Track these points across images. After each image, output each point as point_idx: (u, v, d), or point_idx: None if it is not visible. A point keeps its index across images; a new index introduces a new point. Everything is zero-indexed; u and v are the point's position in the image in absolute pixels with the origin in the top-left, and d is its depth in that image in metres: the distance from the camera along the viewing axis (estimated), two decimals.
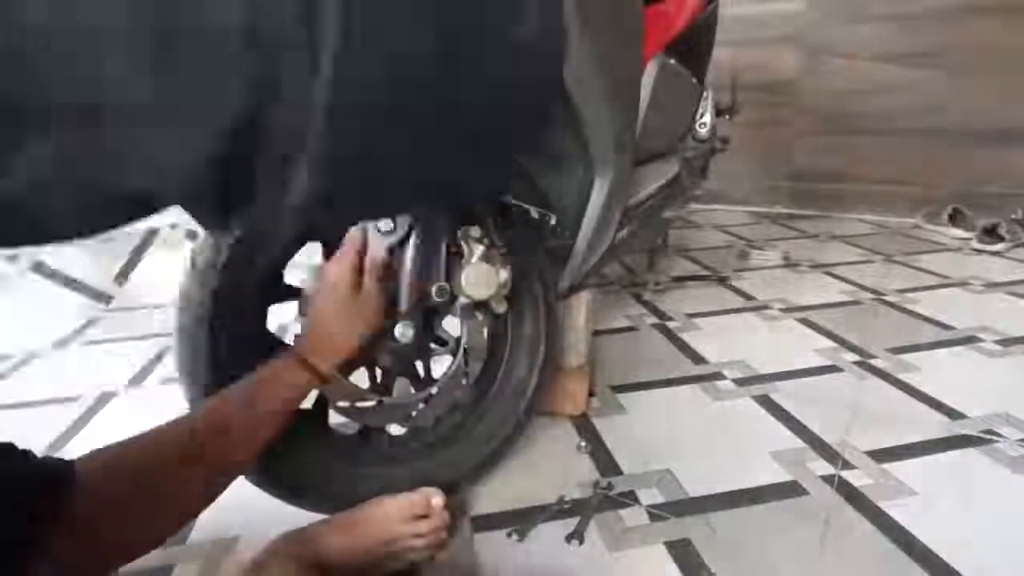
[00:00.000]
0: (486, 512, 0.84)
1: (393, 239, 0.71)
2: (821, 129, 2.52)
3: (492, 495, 0.88)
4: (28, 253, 1.73)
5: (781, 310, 1.54)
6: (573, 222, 0.92)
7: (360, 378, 0.80)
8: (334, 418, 0.79)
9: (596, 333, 1.34)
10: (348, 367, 0.77)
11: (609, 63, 0.80)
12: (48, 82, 0.15)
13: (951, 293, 1.62)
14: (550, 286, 0.90)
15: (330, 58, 0.18)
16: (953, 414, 1.03)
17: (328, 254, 0.74)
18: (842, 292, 1.65)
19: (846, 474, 0.89)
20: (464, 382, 0.84)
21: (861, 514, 0.81)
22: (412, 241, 0.71)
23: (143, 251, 1.92)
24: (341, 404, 0.77)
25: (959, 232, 2.11)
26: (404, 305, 0.74)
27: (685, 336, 1.40)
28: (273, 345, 0.74)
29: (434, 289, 0.75)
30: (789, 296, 1.62)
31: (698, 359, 1.28)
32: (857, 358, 1.26)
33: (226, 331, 0.70)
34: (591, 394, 1.12)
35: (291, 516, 0.74)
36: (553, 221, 0.90)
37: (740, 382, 1.17)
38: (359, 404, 0.78)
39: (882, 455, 0.93)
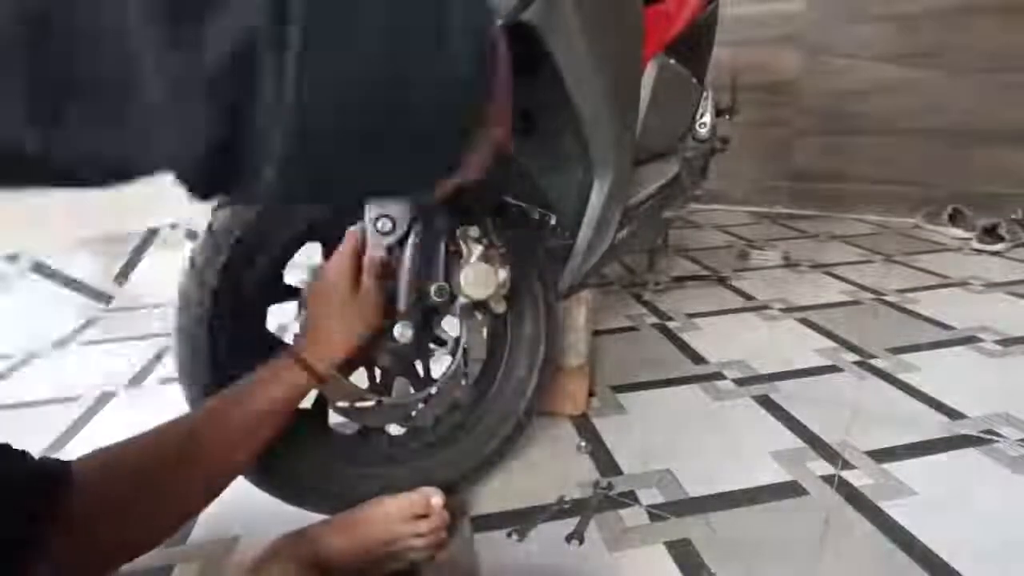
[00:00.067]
0: (486, 512, 0.84)
1: (392, 239, 0.70)
2: (821, 129, 2.52)
3: (492, 495, 0.88)
4: (28, 253, 1.73)
5: (781, 310, 1.54)
6: (573, 222, 0.92)
7: (360, 378, 0.80)
8: (334, 418, 0.79)
9: (596, 333, 1.34)
10: (348, 367, 0.77)
11: (609, 63, 0.80)
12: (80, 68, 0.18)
13: (951, 293, 1.62)
14: (550, 286, 0.90)
15: (293, 85, 0.19)
16: (953, 414, 1.03)
17: (327, 254, 0.74)
18: (842, 292, 1.65)
19: (846, 474, 0.89)
20: (464, 382, 0.84)
21: (861, 514, 0.81)
22: (411, 241, 0.71)
23: (143, 251, 1.92)
24: (341, 404, 0.77)
25: (959, 232, 2.11)
26: (403, 305, 0.74)
27: (685, 336, 1.40)
28: (273, 345, 0.74)
29: (433, 289, 0.75)
30: (789, 296, 1.62)
31: (698, 359, 1.28)
32: (857, 358, 1.26)
33: (226, 331, 0.70)
34: (591, 394, 1.12)
35: (291, 516, 0.74)
36: (553, 221, 0.90)
37: (740, 382, 1.17)
38: (359, 404, 0.78)
39: (882, 455, 0.93)
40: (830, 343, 1.33)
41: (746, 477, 0.89)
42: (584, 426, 1.04)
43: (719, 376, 1.20)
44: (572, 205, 0.91)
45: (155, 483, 0.56)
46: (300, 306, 0.74)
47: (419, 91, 0.23)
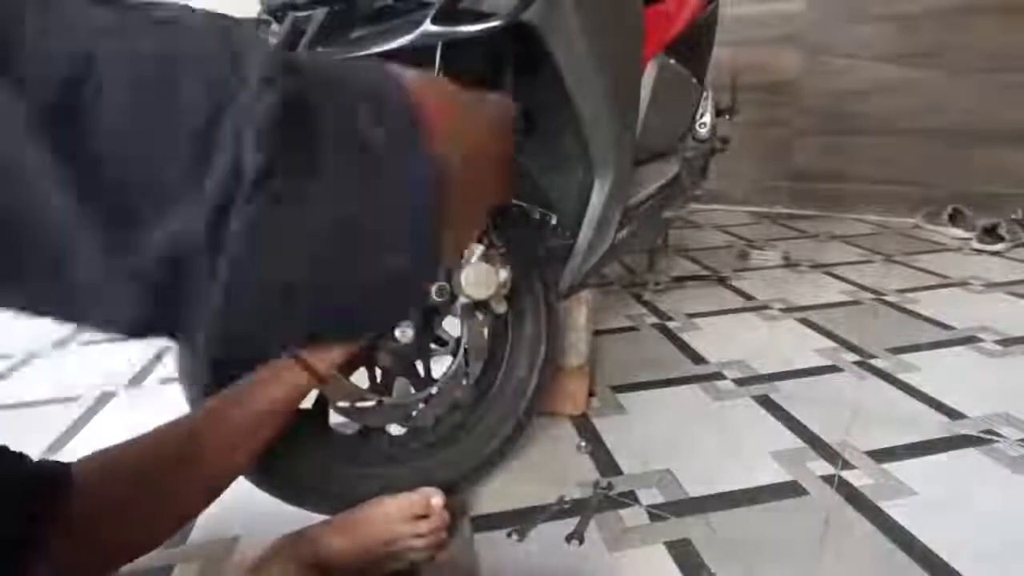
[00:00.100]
0: (486, 512, 0.84)
1: None
2: (821, 129, 2.52)
3: (492, 495, 0.88)
4: None
5: (781, 310, 1.54)
6: (573, 222, 0.92)
7: (360, 378, 0.80)
8: (334, 418, 0.79)
9: (596, 333, 1.34)
10: (348, 367, 0.77)
11: (609, 63, 0.80)
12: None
13: (951, 293, 1.62)
14: (550, 286, 0.90)
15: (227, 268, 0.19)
16: (953, 414, 1.03)
17: None
18: (842, 292, 1.65)
19: (846, 474, 0.89)
20: (464, 382, 0.84)
21: (861, 514, 0.81)
22: None
23: None
24: (341, 404, 0.77)
25: (959, 232, 2.11)
26: None
27: (685, 336, 1.40)
28: None
29: (434, 289, 0.75)
30: (789, 296, 1.62)
31: (698, 359, 1.28)
32: (857, 358, 1.26)
33: None
34: (591, 394, 1.12)
35: (291, 516, 0.74)
36: (553, 221, 0.90)
37: (740, 382, 1.17)
38: (359, 404, 0.78)
39: (882, 455, 0.93)
40: (830, 343, 1.33)
41: (746, 477, 0.89)
42: (584, 426, 1.04)
43: (719, 376, 1.20)
44: (572, 205, 0.91)
45: (155, 484, 0.56)
46: None
47: (369, 273, 0.23)
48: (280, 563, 0.63)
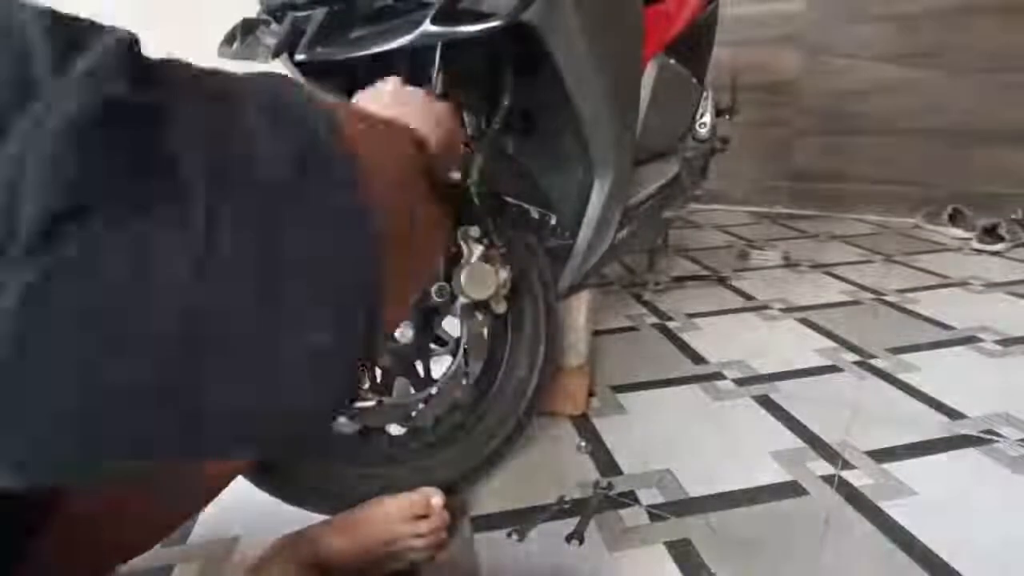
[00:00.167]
0: (486, 512, 0.84)
1: None
2: (821, 129, 2.52)
3: (492, 495, 0.88)
4: None
5: (781, 310, 1.54)
6: (573, 222, 0.92)
7: (360, 378, 0.80)
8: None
9: (596, 333, 1.34)
10: None
11: (609, 63, 0.80)
12: None
13: (951, 293, 1.62)
14: (550, 286, 0.90)
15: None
16: (953, 414, 1.03)
17: None
18: (842, 292, 1.65)
19: (846, 474, 0.89)
20: (464, 382, 0.84)
21: (861, 514, 0.81)
22: None
23: None
24: None
25: (959, 232, 2.11)
26: None
27: (685, 336, 1.40)
28: None
29: (434, 289, 0.75)
30: (789, 296, 1.62)
31: (698, 359, 1.28)
32: (857, 358, 1.26)
33: None
34: (591, 394, 1.12)
35: (291, 516, 0.74)
36: (553, 221, 0.91)
37: (740, 382, 1.17)
38: (359, 404, 0.78)
39: (882, 455, 0.93)
40: (830, 343, 1.33)
41: (746, 477, 0.89)
42: (584, 426, 1.04)
43: (719, 376, 1.20)
44: (572, 205, 0.91)
45: (152, 482, 0.56)
46: None
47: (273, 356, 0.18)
48: (280, 563, 0.63)
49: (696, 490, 0.87)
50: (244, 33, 0.83)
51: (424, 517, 0.71)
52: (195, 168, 0.14)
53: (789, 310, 1.53)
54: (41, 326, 0.13)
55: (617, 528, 0.80)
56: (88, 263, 0.13)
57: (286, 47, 0.71)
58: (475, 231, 0.76)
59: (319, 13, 0.69)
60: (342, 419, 0.80)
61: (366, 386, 0.81)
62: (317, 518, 0.73)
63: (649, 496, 0.86)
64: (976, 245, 1.99)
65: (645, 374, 1.21)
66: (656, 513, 0.83)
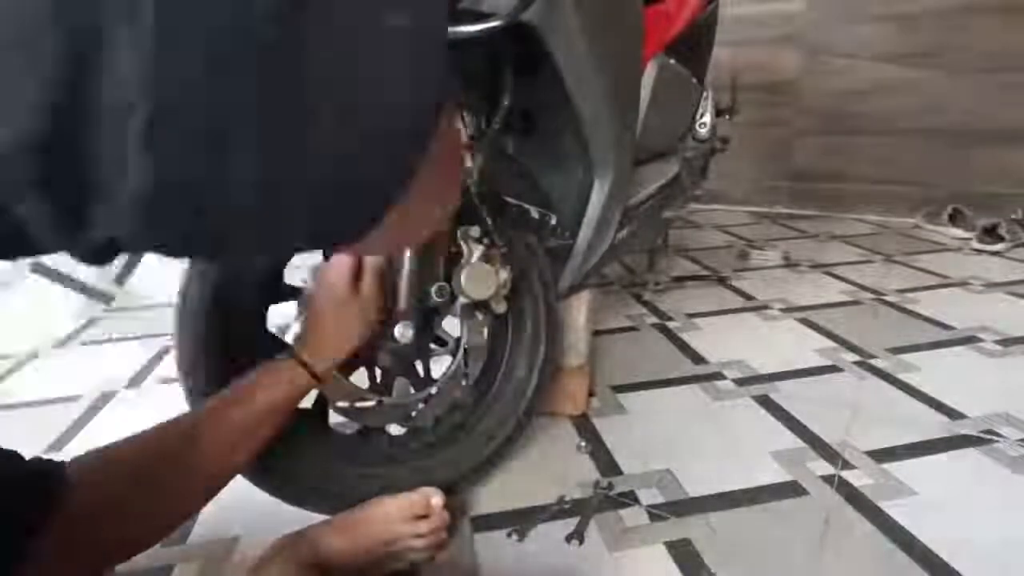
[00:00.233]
0: (486, 512, 0.84)
1: None
2: (821, 129, 2.52)
3: (492, 495, 0.88)
4: None
5: (781, 310, 1.54)
6: (573, 222, 0.92)
7: (360, 378, 0.80)
8: (334, 418, 0.79)
9: (596, 333, 1.34)
10: (348, 367, 0.77)
11: (609, 63, 0.80)
12: None
13: (951, 293, 1.62)
14: (550, 286, 0.90)
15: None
16: (953, 414, 1.03)
17: (328, 254, 0.74)
18: (842, 292, 1.65)
19: (846, 474, 0.89)
20: (464, 382, 0.84)
21: (861, 514, 0.81)
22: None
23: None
24: (341, 404, 0.77)
25: (959, 232, 2.11)
26: (403, 305, 0.74)
27: (685, 336, 1.40)
28: (273, 345, 0.74)
29: (434, 289, 0.75)
30: (789, 296, 1.62)
31: (698, 359, 1.28)
32: (857, 358, 1.26)
33: (226, 331, 0.70)
34: (591, 394, 1.12)
35: (291, 516, 0.74)
36: (553, 221, 0.91)
37: (740, 382, 1.17)
38: (359, 404, 0.78)
39: (882, 455, 0.93)
40: (830, 343, 1.33)
41: (746, 477, 0.89)
42: (584, 426, 1.04)
43: (719, 376, 1.20)
44: (572, 205, 0.91)
45: (153, 482, 0.56)
46: (300, 306, 0.74)
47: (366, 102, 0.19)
48: (280, 563, 0.63)
49: (696, 490, 0.87)
50: None
51: (424, 517, 0.71)
52: None
53: (789, 310, 1.53)
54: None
55: (617, 528, 0.80)
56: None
57: None
58: (475, 231, 0.76)
59: None
60: (342, 419, 0.80)
61: (366, 386, 0.81)
62: (317, 518, 0.73)
63: (649, 496, 0.86)
64: (976, 245, 1.99)
65: (645, 374, 1.21)
66: (656, 513, 0.83)
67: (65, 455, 0.49)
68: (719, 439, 0.99)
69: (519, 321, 0.89)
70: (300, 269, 0.75)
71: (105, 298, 1.79)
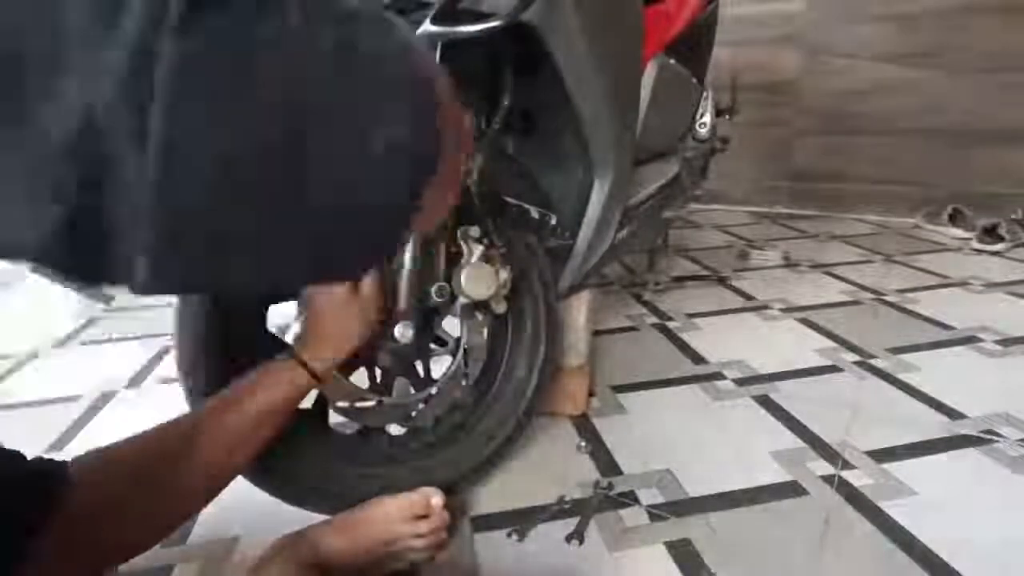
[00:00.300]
0: (486, 512, 0.84)
1: None
2: (821, 129, 2.52)
3: (492, 495, 0.88)
4: None
5: (781, 310, 1.54)
6: (573, 222, 0.92)
7: (360, 378, 0.80)
8: (334, 418, 0.79)
9: (596, 333, 1.34)
10: (348, 367, 0.77)
11: (609, 63, 0.80)
12: None
13: (951, 293, 1.62)
14: (550, 286, 0.90)
15: (158, 160, 0.16)
16: (953, 414, 1.03)
17: None
18: (842, 292, 1.65)
19: (846, 474, 0.89)
20: (464, 382, 0.84)
21: (861, 514, 0.81)
22: (411, 241, 0.71)
23: None
24: (341, 404, 0.77)
25: (959, 232, 2.11)
26: (403, 305, 0.74)
27: (685, 336, 1.40)
28: (273, 345, 0.74)
29: (434, 289, 0.75)
30: (789, 296, 1.62)
31: (698, 359, 1.28)
32: (857, 358, 1.26)
33: (226, 331, 0.70)
34: (591, 394, 1.12)
35: (291, 516, 0.74)
36: (553, 221, 0.91)
37: (740, 382, 1.17)
38: (359, 404, 0.78)
39: (882, 455, 0.93)
40: (830, 343, 1.33)
41: (746, 477, 0.89)
42: (584, 426, 1.04)
43: (719, 376, 1.20)
44: (572, 205, 0.91)
45: (153, 482, 0.56)
46: (300, 306, 0.74)
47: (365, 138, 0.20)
48: (280, 563, 0.63)
49: (696, 490, 0.87)
50: None
51: (424, 517, 0.71)
52: None
53: (789, 310, 1.53)
54: (202, 84, 0.15)
55: (617, 528, 0.80)
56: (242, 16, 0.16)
57: None
58: (475, 231, 0.76)
59: None
60: (342, 419, 0.80)
61: (366, 386, 0.81)
62: (317, 518, 0.73)
63: (649, 496, 0.86)
64: (976, 245, 1.99)
65: (645, 374, 1.21)
66: (656, 513, 0.83)
67: (65, 455, 0.49)
68: (719, 439, 0.99)
69: (519, 321, 0.89)
70: None
71: (105, 298, 1.79)
